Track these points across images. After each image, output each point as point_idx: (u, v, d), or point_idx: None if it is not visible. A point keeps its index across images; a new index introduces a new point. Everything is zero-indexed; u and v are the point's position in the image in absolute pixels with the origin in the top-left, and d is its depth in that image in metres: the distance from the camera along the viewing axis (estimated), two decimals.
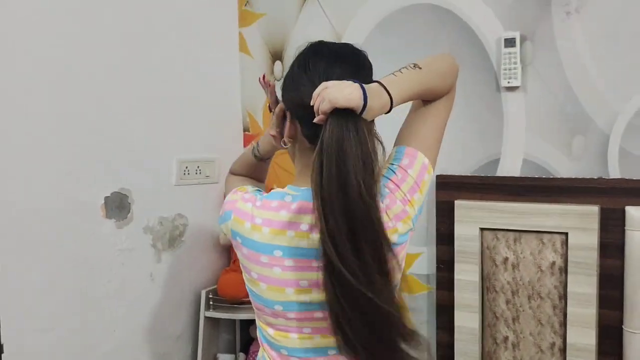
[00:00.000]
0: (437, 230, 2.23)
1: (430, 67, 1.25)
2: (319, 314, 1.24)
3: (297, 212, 1.20)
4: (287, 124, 1.25)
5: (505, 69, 2.09)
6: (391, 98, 1.13)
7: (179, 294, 2.43)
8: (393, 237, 1.20)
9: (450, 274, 2.18)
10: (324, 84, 1.09)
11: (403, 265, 1.29)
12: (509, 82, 2.09)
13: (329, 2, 2.47)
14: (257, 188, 1.33)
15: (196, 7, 2.47)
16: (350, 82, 1.08)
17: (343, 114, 1.06)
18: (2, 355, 1.59)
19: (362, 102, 1.06)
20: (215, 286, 2.50)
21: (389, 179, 1.23)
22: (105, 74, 2.09)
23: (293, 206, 1.21)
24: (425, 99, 1.27)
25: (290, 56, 2.58)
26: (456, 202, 2.14)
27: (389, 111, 1.14)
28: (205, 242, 2.51)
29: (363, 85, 1.08)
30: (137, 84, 2.19)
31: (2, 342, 1.59)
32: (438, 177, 2.21)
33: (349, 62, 1.25)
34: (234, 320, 2.62)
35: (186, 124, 2.39)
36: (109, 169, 2.11)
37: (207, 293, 2.46)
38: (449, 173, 2.20)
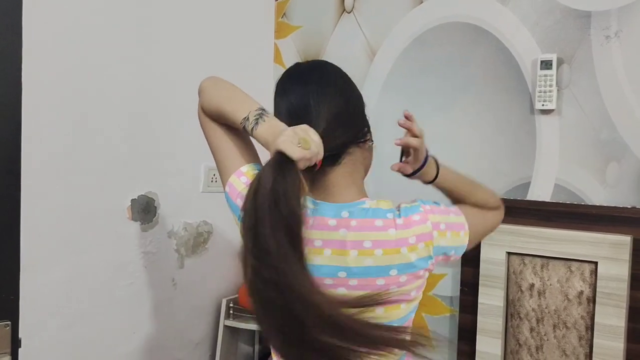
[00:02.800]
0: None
1: (478, 189, 1.40)
2: None
3: (314, 227, 1.19)
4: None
5: (541, 92, 2.05)
6: (437, 169, 1.36)
7: (200, 301, 2.43)
8: (411, 256, 1.18)
9: (474, 297, 2.14)
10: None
11: (419, 295, 1.26)
12: (543, 105, 2.05)
13: (365, 18, 2.47)
14: None
15: (233, 18, 2.49)
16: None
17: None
18: (20, 349, 1.60)
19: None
20: (236, 295, 2.49)
21: (431, 204, 1.26)
22: (139, 79, 2.11)
23: (310, 221, 1.20)
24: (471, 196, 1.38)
25: None
26: None
27: (428, 182, 1.38)
28: (228, 250, 2.51)
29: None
30: (170, 90, 2.21)
31: (20, 337, 1.60)
32: None
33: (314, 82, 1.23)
34: (253, 331, 2.61)
35: None
36: (137, 172, 2.12)
37: (228, 302, 2.46)
38: None
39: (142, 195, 2.15)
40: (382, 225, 1.18)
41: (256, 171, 1.25)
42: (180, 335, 2.35)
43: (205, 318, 2.46)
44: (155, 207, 2.20)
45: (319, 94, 1.21)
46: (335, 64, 1.31)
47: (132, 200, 2.12)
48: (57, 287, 1.88)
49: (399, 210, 1.21)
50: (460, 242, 1.27)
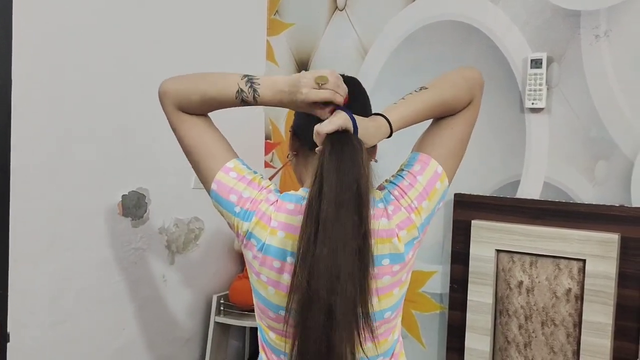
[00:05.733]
0: (453, 249, 2.20)
1: (440, 84, 1.26)
2: None
3: None
4: (290, 141, 1.29)
5: (531, 90, 2.06)
6: (388, 121, 1.16)
7: (191, 298, 2.43)
8: (399, 246, 1.18)
9: (463, 294, 2.15)
10: None
11: (409, 278, 1.28)
12: (533, 104, 2.06)
13: (357, 16, 2.47)
14: (272, 182, 1.30)
15: (225, 14, 2.49)
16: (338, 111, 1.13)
17: (339, 135, 1.09)
18: (8, 344, 1.60)
19: (348, 122, 1.10)
20: (227, 292, 2.50)
21: (397, 185, 1.23)
22: (130, 75, 2.11)
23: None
24: (440, 115, 1.27)
25: (316, 66, 2.61)
26: (473, 222, 2.11)
27: (389, 135, 1.18)
28: (219, 247, 2.52)
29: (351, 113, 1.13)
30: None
31: (8, 331, 1.60)
32: (456, 195, 2.18)
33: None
34: (243, 328, 2.61)
35: None
36: (128, 168, 2.12)
37: (219, 298, 2.46)
38: (468, 192, 2.17)
39: (133, 191, 2.15)
40: (375, 214, 1.18)
41: (243, 166, 1.26)
42: (171, 332, 2.36)
43: (195, 314, 2.46)
44: (146, 203, 2.20)
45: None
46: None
47: (123, 196, 2.12)
48: (47, 283, 1.88)
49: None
50: (441, 192, 1.24)
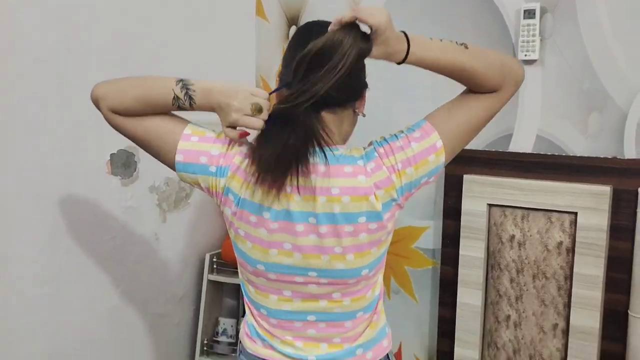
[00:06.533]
0: (445, 204, 2.19)
1: (478, 51, 1.20)
2: (299, 279, 1.22)
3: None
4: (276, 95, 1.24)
5: (524, 42, 2.02)
6: (408, 51, 1.12)
7: (183, 256, 2.43)
8: (377, 205, 1.17)
9: (455, 250, 2.15)
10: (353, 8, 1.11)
11: (390, 239, 1.26)
12: (526, 55, 2.02)
13: None
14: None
15: None
16: (382, 8, 1.10)
17: (351, 27, 1.09)
18: None
19: (384, 22, 1.07)
20: (219, 250, 2.50)
21: (387, 143, 1.20)
22: (120, 31, 2.07)
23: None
24: (460, 81, 1.22)
25: (306, 20, 2.55)
26: (465, 176, 2.09)
27: (399, 62, 1.14)
28: (211, 205, 2.50)
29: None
30: (151, 44, 2.17)
31: None
32: None
33: None
34: (237, 285, 2.61)
35: None
36: None
37: (212, 257, 2.46)
38: None
39: (121, 149, 2.13)
40: (352, 171, 1.16)
41: (200, 128, 1.25)
42: (164, 290, 2.36)
43: (189, 272, 2.47)
44: (136, 162, 2.18)
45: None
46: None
47: (112, 154, 2.10)
48: (36, 242, 1.87)
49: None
50: (432, 165, 1.20)
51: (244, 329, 1.36)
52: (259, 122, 1.14)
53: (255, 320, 1.32)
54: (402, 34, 1.13)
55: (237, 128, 1.18)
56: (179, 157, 1.22)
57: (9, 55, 1.76)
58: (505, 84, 1.21)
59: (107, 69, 2.04)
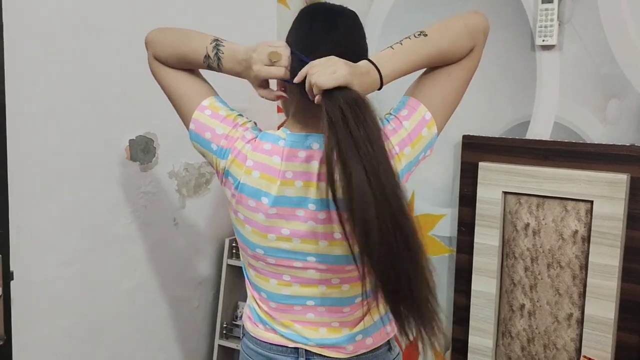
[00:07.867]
0: (461, 192, 2.17)
1: (440, 31, 1.20)
2: (298, 264, 1.23)
3: (286, 159, 1.19)
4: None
5: (542, 27, 1.98)
6: (381, 77, 1.12)
7: (203, 241, 2.47)
8: None
9: (471, 237, 2.13)
10: (310, 64, 1.09)
11: None
12: (544, 41, 1.99)
13: None
14: (250, 120, 1.30)
15: None
16: (335, 60, 1.07)
17: (335, 92, 1.05)
18: (12, 282, 1.64)
19: (350, 78, 1.05)
20: None
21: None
22: (136, 17, 2.10)
23: (285, 152, 1.20)
24: (438, 65, 1.22)
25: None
26: (480, 163, 2.07)
27: (379, 88, 1.14)
28: None
29: (349, 63, 1.08)
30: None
31: (11, 270, 1.65)
32: (464, 137, 2.14)
33: (340, 24, 1.22)
34: None
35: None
36: (136, 112, 2.13)
37: (231, 241, 2.49)
38: (476, 134, 2.12)
39: (140, 135, 2.17)
40: None
41: (219, 103, 1.26)
42: (183, 274, 2.40)
43: (208, 257, 2.50)
44: (155, 148, 2.22)
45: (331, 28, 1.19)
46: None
47: (130, 140, 2.14)
48: (54, 223, 1.92)
49: None
50: (427, 139, 1.21)
51: (246, 312, 1.38)
52: (279, 70, 1.13)
53: (257, 303, 1.34)
54: (367, 63, 1.12)
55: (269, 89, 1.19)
56: (192, 126, 1.27)
57: (27, 40, 1.81)
58: (476, 41, 1.23)
59: (126, 55, 2.09)
